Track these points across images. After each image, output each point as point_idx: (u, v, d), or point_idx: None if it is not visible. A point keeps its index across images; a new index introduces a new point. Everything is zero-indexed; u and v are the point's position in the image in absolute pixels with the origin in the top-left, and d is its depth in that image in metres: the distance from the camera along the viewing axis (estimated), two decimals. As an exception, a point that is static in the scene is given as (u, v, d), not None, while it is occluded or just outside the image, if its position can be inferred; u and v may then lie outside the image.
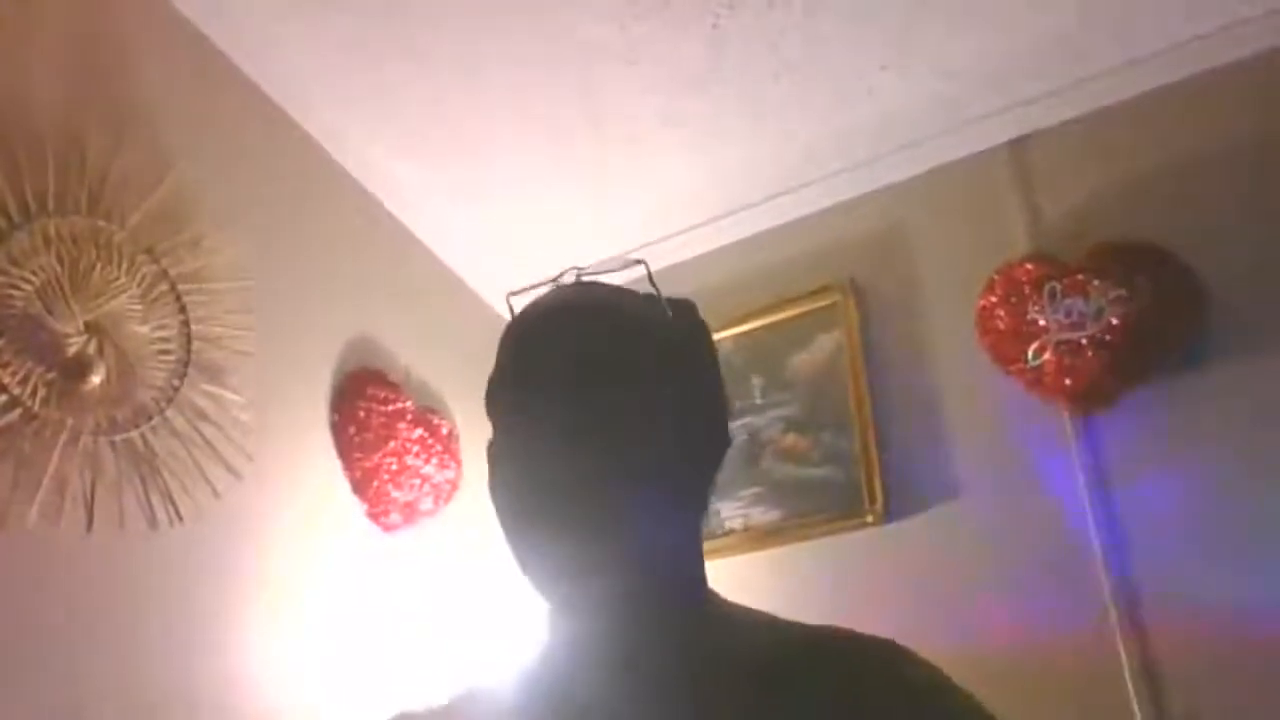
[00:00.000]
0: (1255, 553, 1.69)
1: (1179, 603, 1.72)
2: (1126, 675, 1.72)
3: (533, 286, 0.82)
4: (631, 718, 0.71)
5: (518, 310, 0.81)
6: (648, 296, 0.83)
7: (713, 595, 0.80)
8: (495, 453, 0.78)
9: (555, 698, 0.75)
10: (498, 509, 0.76)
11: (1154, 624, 1.75)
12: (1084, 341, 1.88)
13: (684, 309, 0.85)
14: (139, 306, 1.62)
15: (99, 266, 1.57)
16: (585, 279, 0.83)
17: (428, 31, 1.95)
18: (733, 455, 2.44)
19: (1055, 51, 2.02)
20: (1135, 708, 1.71)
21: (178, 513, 1.60)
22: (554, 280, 0.82)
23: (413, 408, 2.09)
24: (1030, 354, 1.93)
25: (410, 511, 2.02)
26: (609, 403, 0.73)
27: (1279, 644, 1.60)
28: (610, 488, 0.71)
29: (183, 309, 1.68)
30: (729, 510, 2.21)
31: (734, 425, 2.24)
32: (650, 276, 0.82)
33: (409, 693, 1.82)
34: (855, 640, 0.74)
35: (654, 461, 0.74)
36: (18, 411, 1.42)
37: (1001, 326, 1.99)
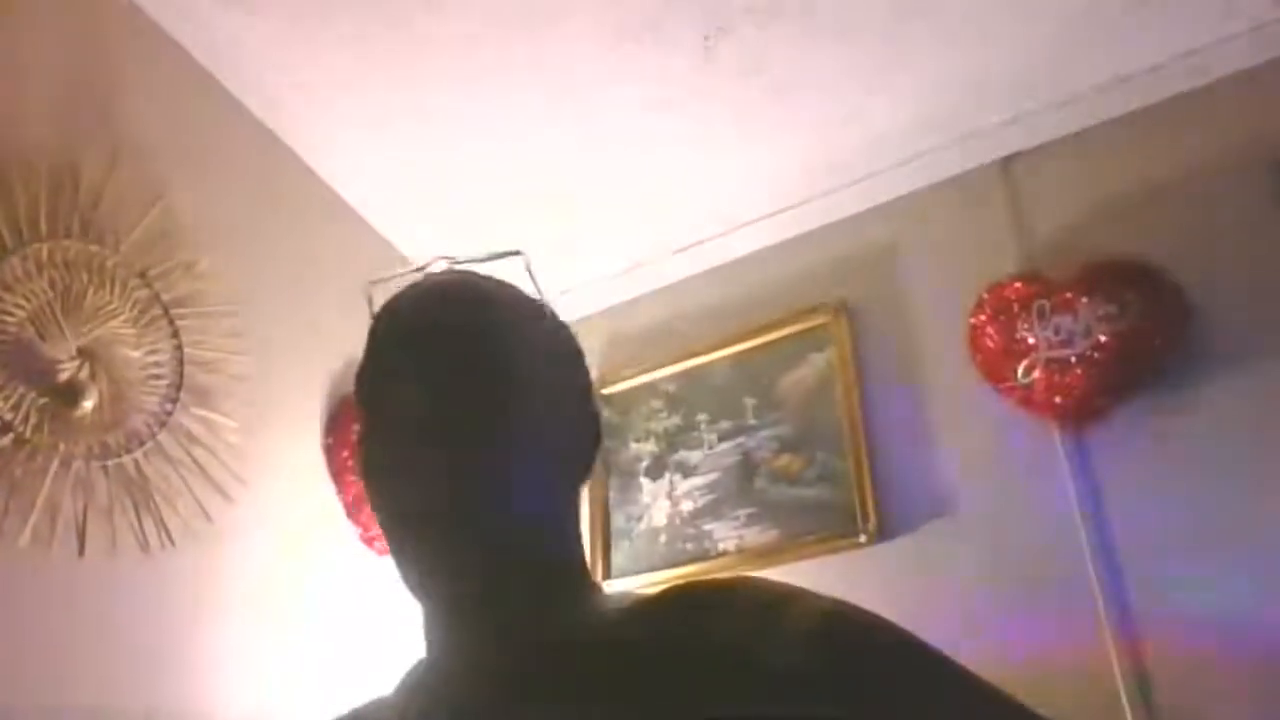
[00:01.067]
0: (1246, 566, 1.69)
1: (1171, 617, 1.72)
2: (1120, 690, 1.72)
3: (397, 275, 0.80)
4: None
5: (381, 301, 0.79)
6: (520, 290, 0.80)
7: (583, 593, 0.76)
8: (359, 448, 0.76)
9: (427, 706, 0.72)
10: (370, 507, 0.74)
11: (1147, 639, 1.74)
12: (1073, 359, 1.89)
13: (545, 308, 0.82)
14: (131, 331, 1.62)
15: (91, 291, 1.57)
16: (459, 267, 0.81)
17: (417, 54, 1.96)
18: (726, 476, 2.43)
19: (1044, 70, 2.05)
20: (1130, 724, 1.71)
21: (170, 537, 1.59)
22: (421, 269, 0.80)
23: (406, 431, 2.09)
24: (1020, 372, 1.94)
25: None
26: (468, 397, 0.71)
27: (1271, 656, 1.61)
28: (466, 488, 0.69)
29: (175, 333, 1.68)
30: (723, 531, 2.21)
31: (727, 445, 2.29)
32: (528, 268, 0.79)
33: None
34: (707, 582, 0.72)
35: (515, 460, 0.71)
36: (10, 437, 1.42)
37: (991, 344, 2.00)
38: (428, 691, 0.74)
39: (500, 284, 0.79)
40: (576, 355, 0.82)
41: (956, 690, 0.64)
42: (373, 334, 0.77)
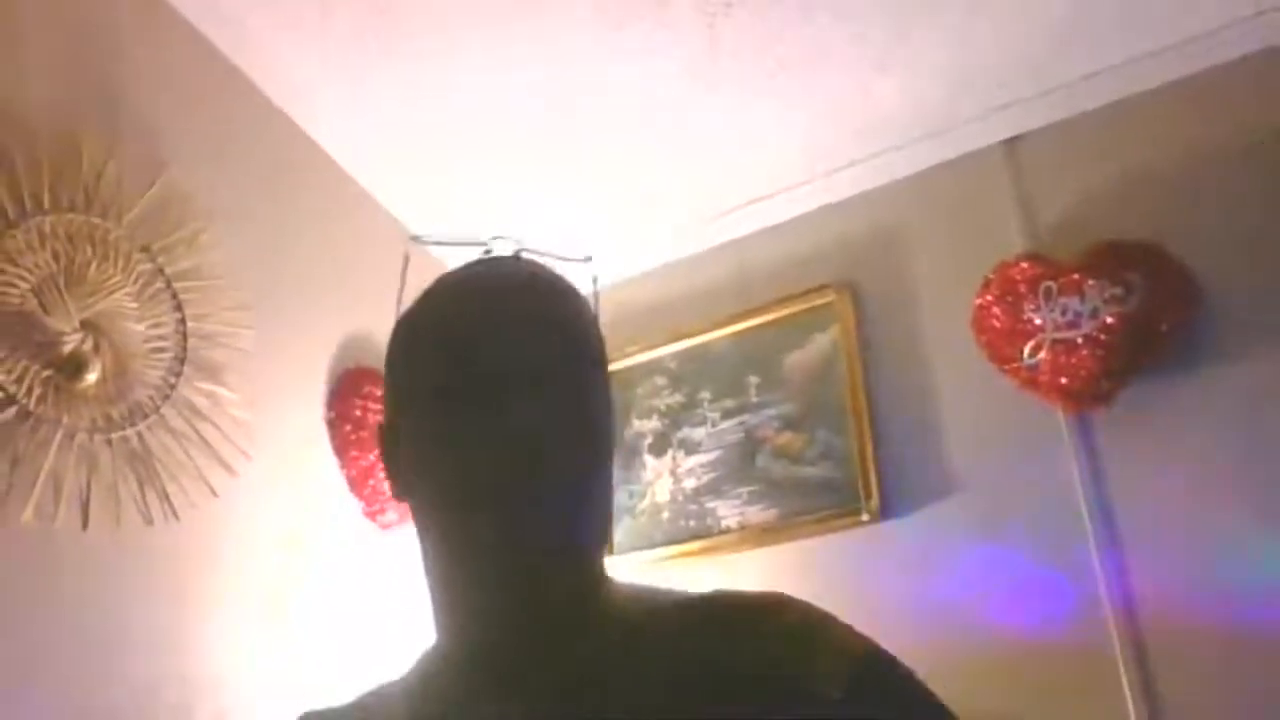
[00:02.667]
0: (1250, 549, 1.69)
1: (1174, 599, 1.73)
2: (1121, 669, 1.73)
3: (447, 243, 0.80)
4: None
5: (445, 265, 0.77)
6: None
7: (611, 594, 0.76)
8: (441, 415, 0.71)
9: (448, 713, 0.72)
10: (441, 483, 0.71)
11: (1149, 620, 1.75)
12: (1079, 340, 1.88)
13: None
14: (135, 304, 1.62)
15: (95, 264, 1.57)
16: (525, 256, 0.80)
17: (420, 30, 1.94)
18: (728, 454, 2.44)
19: (1050, 52, 2.03)
20: (1130, 704, 1.72)
21: (174, 511, 1.60)
22: (482, 245, 0.80)
23: (409, 406, 2.09)
24: (1026, 353, 1.94)
25: (406, 510, 2.01)
26: (585, 393, 0.72)
27: (1272, 636, 1.61)
28: (569, 519, 0.69)
29: (179, 306, 1.68)
30: (725, 509, 2.21)
31: (730, 423, 2.29)
32: (595, 279, 0.81)
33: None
34: (740, 597, 0.73)
35: (601, 458, 0.73)
36: (13, 410, 1.42)
37: (997, 325, 1.99)
38: (448, 697, 0.73)
39: (560, 276, 0.78)
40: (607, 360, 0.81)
41: None
42: (458, 313, 0.74)
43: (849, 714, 0.63)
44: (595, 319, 0.77)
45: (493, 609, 0.70)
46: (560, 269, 0.78)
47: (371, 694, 0.81)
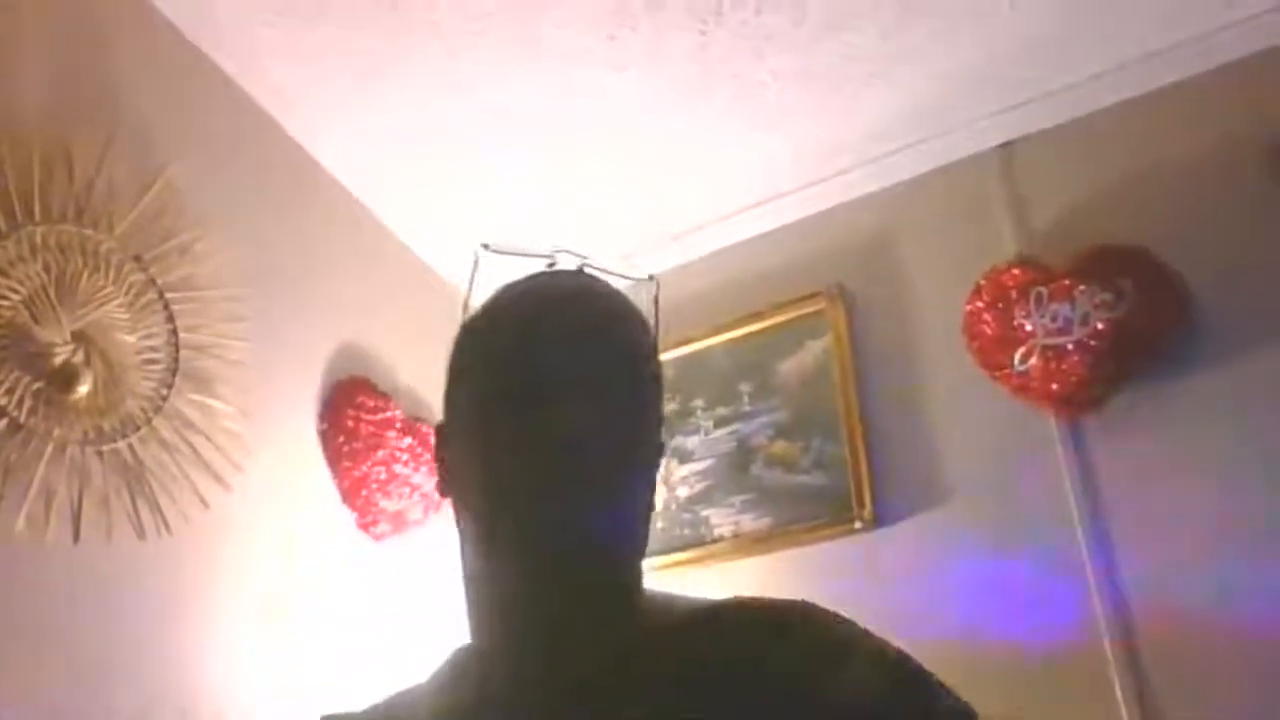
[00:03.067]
0: (1242, 553, 1.70)
1: (1167, 604, 1.73)
2: (1114, 675, 1.73)
3: (513, 252, 0.81)
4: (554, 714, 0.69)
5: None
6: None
7: (649, 596, 0.78)
8: (485, 417, 0.73)
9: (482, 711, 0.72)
10: (476, 484, 0.72)
11: (1141, 625, 1.76)
12: (1070, 346, 1.89)
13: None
14: (127, 315, 1.61)
15: (86, 275, 1.57)
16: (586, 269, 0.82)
17: (414, 38, 1.95)
18: (722, 462, 2.43)
19: (1040, 58, 2.04)
20: (1123, 709, 1.72)
21: (165, 523, 1.59)
22: (545, 258, 0.81)
23: (402, 416, 2.09)
24: (1017, 359, 1.94)
25: (399, 521, 2.01)
26: (630, 402, 0.73)
27: (1266, 644, 1.62)
28: (609, 524, 0.71)
29: (171, 317, 1.67)
30: (719, 517, 2.21)
31: (723, 431, 2.28)
32: (656, 299, 0.83)
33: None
34: (767, 604, 0.74)
35: (640, 467, 0.74)
36: (4, 422, 1.41)
37: (988, 331, 2.00)
38: (475, 693, 0.74)
39: (620, 293, 0.80)
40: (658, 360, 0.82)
41: None
42: (512, 320, 0.76)
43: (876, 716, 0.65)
44: (652, 336, 0.79)
45: (520, 610, 0.72)
46: (623, 287, 0.81)
47: (399, 694, 0.82)
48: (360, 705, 0.82)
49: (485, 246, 0.82)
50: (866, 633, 0.71)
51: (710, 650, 0.69)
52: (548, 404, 0.70)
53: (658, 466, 0.77)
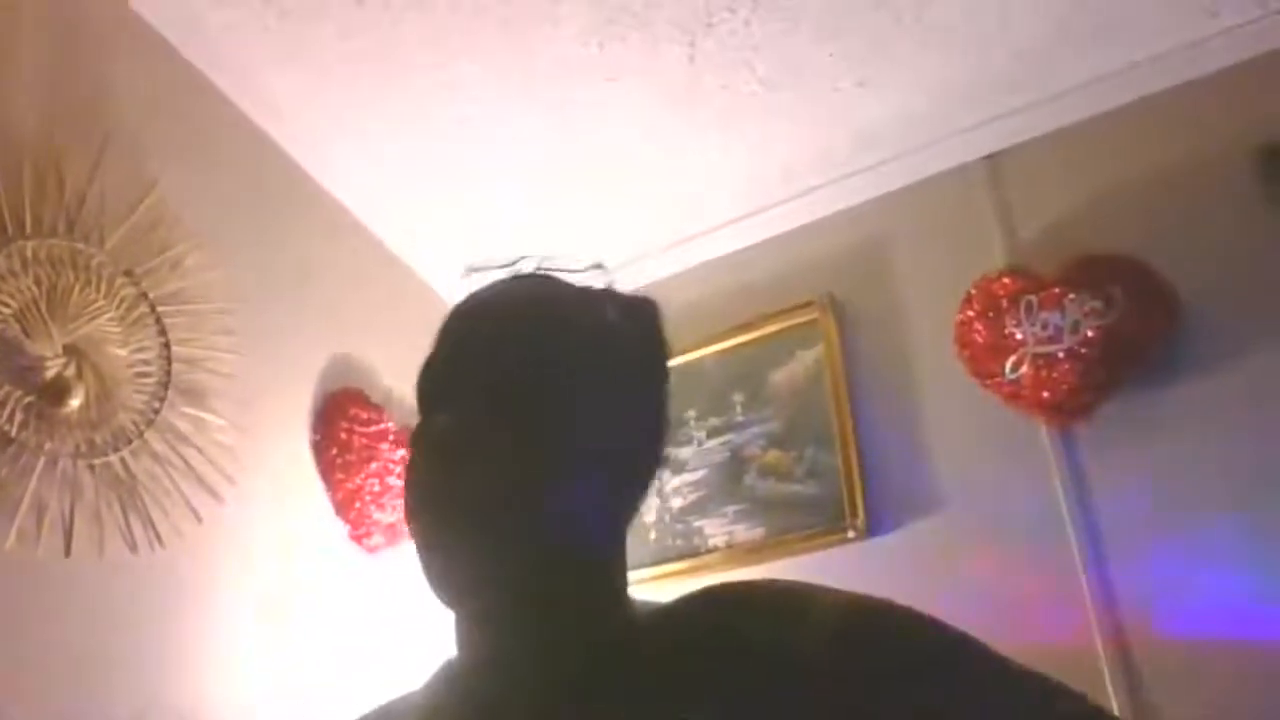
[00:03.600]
0: (1232, 559, 1.70)
1: (1158, 610, 1.74)
2: (1108, 682, 1.73)
3: (491, 267, 0.81)
4: None
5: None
6: (603, 293, 0.81)
7: (627, 603, 0.77)
8: (409, 446, 0.76)
9: (462, 708, 0.73)
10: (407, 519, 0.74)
11: (1134, 632, 1.76)
12: (1060, 354, 1.90)
13: (641, 311, 0.81)
14: (118, 329, 1.61)
15: (78, 289, 1.56)
16: (542, 271, 0.81)
17: (406, 50, 1.95)
18: (715, 472, 2.43)
19: (1028, 67, 2.05)
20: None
21: (158, 537, 1.58)
22: (511, 265, 0.81)
23: (395, 428, 2.09)
24: (1008, 367, 1.95)
25: (393, 533, 2.01)
26: (523, 407, 0.71)
27: (1256, 648, 1.62)
28: (508, 501, 0.69)
29: (162, 331, 1.67)
30: (712, 528, 2.21)
31: (716, 442, 2.29)
32: (611, 282, 0.82)
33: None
34: (726, 585, 0.73)
35: (561, 475, 0.71)
36: (-5, 436, 1.41)
37: (979, 340, 2.01)
38: (462, 694, 0.74)
39: (575, 289, 0.80)
40: (644, 367, 0.80)
41: (978, 668, 0.66)
42: (441, 329, 0.79)
43: (834, 671, 0.62)
44: (594, 338, 0.77)
45: (459, 617, 0.74)
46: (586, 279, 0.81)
47: (391, 703, 0.82)
48: (353, 715, 0.83)
49: (471, 270, 0.82)
50: (830, 589, 0.69)
51: (681, 634, 0.69)
52: (432, 414, 0.73)
53: (585, 471, 0.72)
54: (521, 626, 0.71)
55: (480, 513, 0.69)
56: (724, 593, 0.73)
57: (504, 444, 0.70)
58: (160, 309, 1.67)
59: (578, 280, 0.82)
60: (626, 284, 0.84)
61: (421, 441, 0.73)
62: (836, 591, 0.69)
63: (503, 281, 0.80)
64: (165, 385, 1.66)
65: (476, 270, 0.81)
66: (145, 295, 1.66)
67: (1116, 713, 1.70)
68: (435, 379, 0.76)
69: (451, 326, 0.78)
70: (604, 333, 0.78)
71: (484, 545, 0.69)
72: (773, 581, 0.72)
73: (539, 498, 0.70)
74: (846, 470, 2.09)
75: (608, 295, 0.81)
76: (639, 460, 0.78)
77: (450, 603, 0.72)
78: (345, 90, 2.04)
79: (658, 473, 0.80)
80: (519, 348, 0.73)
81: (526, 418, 0.71)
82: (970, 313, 2.02)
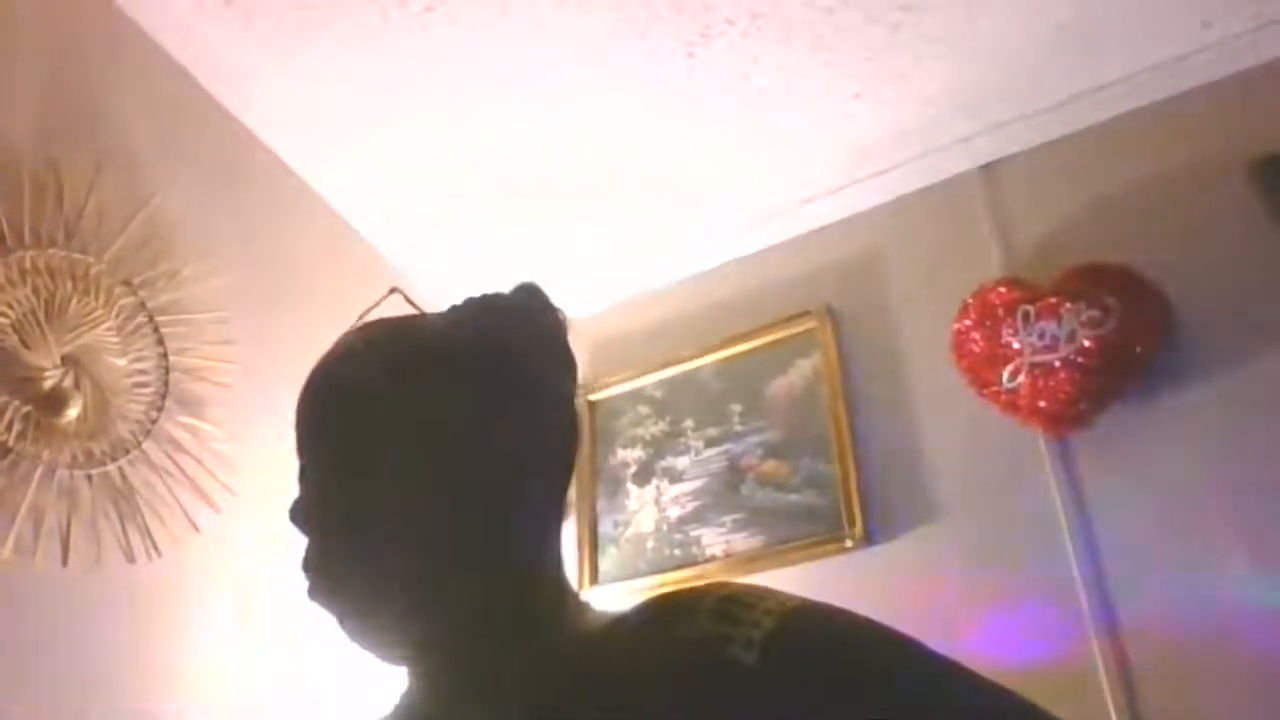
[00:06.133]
0: (1229, 567, 1.70)
1: (1156, 620, 1.73)
2: (1106, 692, 1.73)
3: (415, 305, 0.84)
4: None
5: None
6: (452, 316, 0.80)
7: (570, 615, 0.76)
8: None
9: None
10: None
11: (1132, 642, 1.76)
12: (1057, 363, 1.90)
13: (509, 313, 0.80)
14: (116, 339, 1.61)
15: (76, 299, 1.57)
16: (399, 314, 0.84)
17: (409, 66, 1.96)
18: (713, 482, 2.42)
19: (1025, 77, 2.06)
20: (1116, 727, 1.72)
21: (155, 546, 1.58)
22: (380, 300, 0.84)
23: (392, 438, 2.08)
24: (1005, 376, 1.95)
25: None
26: (364, 455, 0.74)
27: (1254, 657, 1.62)
28: (358, 564, 0.73)
29: (161, 341, 1.68)
30: (710, 537, 2.21)
31: (714, 451, 2.29)
32: (408, 299, 0.85)
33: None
34: (675, 591, 0.72)
35: (431, 510, 0.72)
36: (-7, 446, 1.41)
37: (976, 350, 2.01)
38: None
39: (410, 319, 0.82)
40: (491, 366, 0.77)
41: (927, 677, 0.63)
42: None
43: (764, 676, 0.60)
44: (389, 364, 0.76)
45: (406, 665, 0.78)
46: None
47: None
48: None
49: (393, 290, 0.85)
50: (776, 593, 0.67)
51: (622, 643, 0.68)
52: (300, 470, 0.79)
53: (475, 496, 0.73)
54: (454, 662, 0.73)
55: (361, 579, 0.73)
56: (670, 598, 0.71)
57: (350, 507, 0.73)
58: (158, 319, 1.68)
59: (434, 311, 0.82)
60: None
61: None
62: (787, 595, 0.67)
63: (351, 331, 0.82)
64: (163, 395, 1.66)
65: (400, 293, 0.84)
66: (143, 305, 1.66)
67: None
68: (296, 430, 0.80)
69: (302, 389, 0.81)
70: (444, 358, 0.77)
71: (380, 608, 0.73)
72: (723, 584, 0.69)
73: (413, 540, 0.72)
74: (844, 479, 2.08)
75: (458, 316, 0.80)
76: (530, 477, 0.76)
77: (380, 659, 0.75)
78: (344, 103, 2.04)
79: (565, 484, 0.80)
80: (345, 394, 0.76)
81: (369, 466, 0.73)
82: (967, 322, 2.03)
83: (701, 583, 0.72)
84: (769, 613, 0.64)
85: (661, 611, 0.69)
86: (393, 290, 0.85)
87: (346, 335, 0.81)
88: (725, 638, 0.62)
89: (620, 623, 0.72)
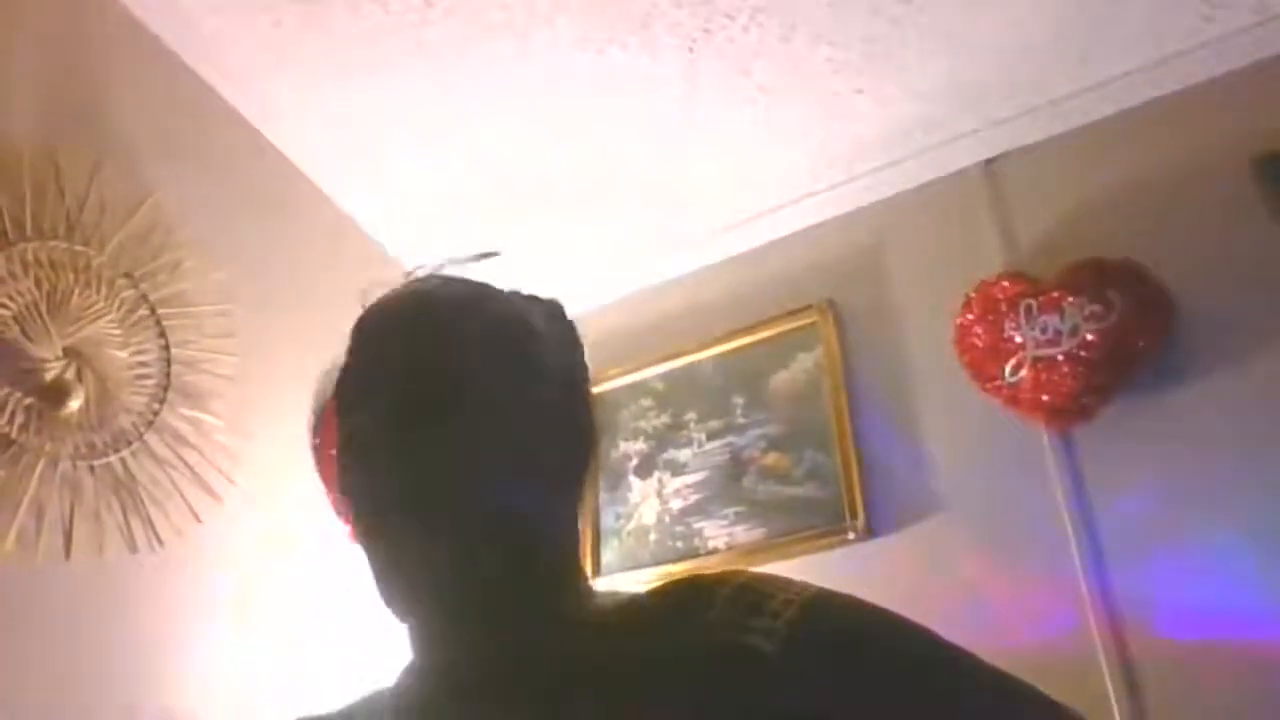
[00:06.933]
0: (1230, 562, 1.70)
1: (1157, 613, 1.74)
2: (1108, 685, 1.73)
3: (386, 284, 0.81)
4: None
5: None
6: (517, 295, 0.80)
7: (588, 596, 0.76)
8: (338, 460, 0.76)
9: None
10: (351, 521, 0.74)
11: (1134, 635, 1.76)
12: (1060, 358, 1.90)
13: (557, 313, 0.82)
14: (118, 331, 1.61)
15: (78, 291, 1.57)
16: (446, 270, 0.81)
17: (410, 61, 1.96)
18: (715, 474, 2.43)
19: (1027, 72, 2.06)
20: (1116, 717, 1.72)
21: (158, 537, 1.59)
22: (409, 274, 0.81)
23: (394, 431, 2.08)
24: (1007, 371, 1.95)
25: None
26: (450, 405, 0.70)
27: (1256, 650, 1.62)
28: (433, 517, 0.69)
29: (162, 333, 1.68)
30: (712, 529, 2.21)
31: (716, 444, 2.29)
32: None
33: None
34: (693, 577, 0.72)
35: (499, 473, 0.71)
36: (-5, 438, 1.41)
37: (979, 344, 2.01)
38: (416, 703, 0.74)
39: (484, 288, 0.79)
40: (562, 366, 0.79)
41: (941, 665, 0.64)
42: (351, 341, 0.78)
43: (787, 668, 0.60)
44: (493, 328, 0.75)
45: (413, 632, 0.74)
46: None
47: (364, 700, 0.82)
48: (333, 706, 0.84)
49: (364, 291, 0.81)
50: (792, 581, 0.67)
51: (640, 631, 0.67)
52: (365, 457, 0.72)
53: (533, 468, 0.73)
54: (477, 628, 0.70)
55: (426, 509, 0.69)
56: (688, 584, 0.71)
57: (438, 441, 0.69)
58: (160, 311, 1.68)
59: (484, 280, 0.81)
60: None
61: (353, 443, 0.73)
62: (802, 585, 0.67)
63: (417, 283, 0.80)
64: (165, 387, 1.66)
65: (370, 289, 0.80)
66: (145, 298, 1.66)
67: (1116, 715, 1.71)
68: (360, 382, 0.75)
69: (371, 330, 0.76)
70: (526, 333, 0.77)
71: (435, 544, 0.69)
72: (740, 571, 0.70)
73: (486, 494, 0.70)
74: (846, 472, 2.09)
75: (523, 297, 0.81)
76: (572, 461, 0.77)
77: (403, 611, 0.72)
78: (346, 98, 2.04)
79: (587, 477, 0.79)
80: (444, 349, 0.73)
81: (455, 416, 0.70)
82: (970, 316, 2.03)
83: (715, 569, 0.72)
84: (789, 601, 0.64)
85: (679, 597, 0.69)
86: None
87: (427, 290, 0.78)
88: (744, 626, 0.63)
89: (637, 606, 0.71)
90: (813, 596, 0.66)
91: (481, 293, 0.79)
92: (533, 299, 0.81)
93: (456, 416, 0.70)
